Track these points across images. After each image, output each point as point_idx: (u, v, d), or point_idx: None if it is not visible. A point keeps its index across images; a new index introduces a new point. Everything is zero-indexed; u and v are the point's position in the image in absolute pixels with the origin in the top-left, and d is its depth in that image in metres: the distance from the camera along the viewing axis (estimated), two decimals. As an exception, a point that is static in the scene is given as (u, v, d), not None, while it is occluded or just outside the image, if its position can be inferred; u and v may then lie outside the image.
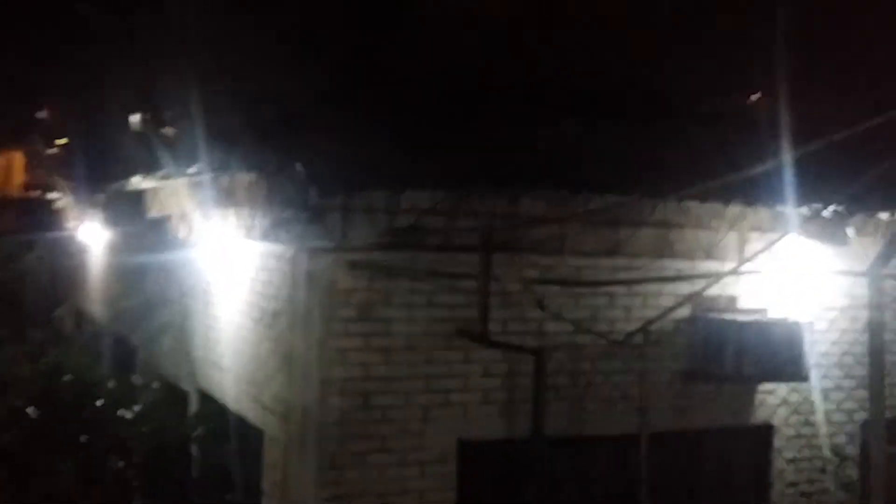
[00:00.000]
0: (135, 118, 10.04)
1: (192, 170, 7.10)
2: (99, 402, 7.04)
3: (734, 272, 6.45)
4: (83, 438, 6.77)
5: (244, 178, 6.67)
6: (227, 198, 6.95)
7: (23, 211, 21.05)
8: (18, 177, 23.01)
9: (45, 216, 18.78)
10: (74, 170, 14.83)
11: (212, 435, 7.79)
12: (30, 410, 6.76)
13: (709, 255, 7.15)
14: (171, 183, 7.94)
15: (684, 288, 7.11)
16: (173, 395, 9.25)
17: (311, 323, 6.10)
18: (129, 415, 7.18)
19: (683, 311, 7.16)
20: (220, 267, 7.90)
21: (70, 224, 16.08)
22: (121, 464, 6.96)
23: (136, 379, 8.50)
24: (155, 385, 8.42)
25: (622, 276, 6.81)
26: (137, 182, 8.64)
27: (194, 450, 7.88)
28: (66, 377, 7.14)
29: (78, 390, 6.90)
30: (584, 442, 6.77)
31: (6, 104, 18.14)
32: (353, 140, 6.48)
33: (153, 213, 8.47)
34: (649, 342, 6.78)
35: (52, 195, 17.83)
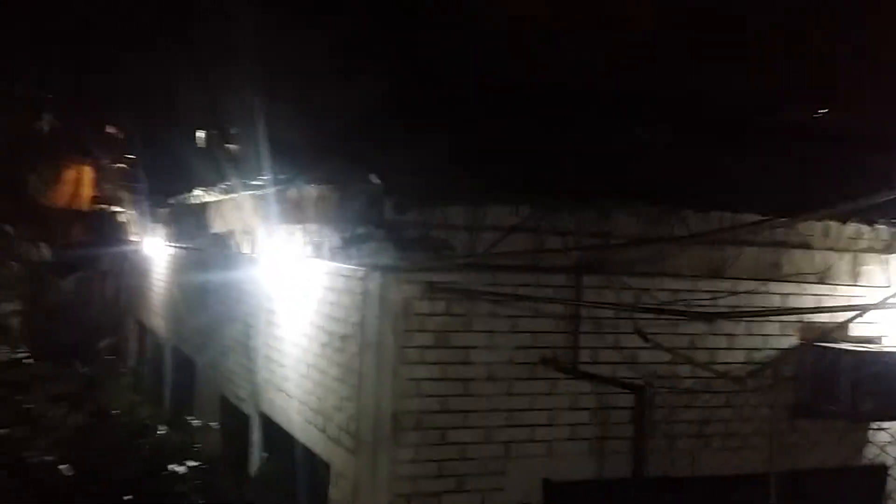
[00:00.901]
0: (200, 134, 9.82)
1: (256, 182, 6.62)
2: (146, 452, 6.08)
3: (878, 305, 5.70)
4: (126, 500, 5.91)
5: (313, 191, 6.19)
6: (294, 212, 6.48)
7: (91, 225, 21.31)
8: (87, 191, 23.39)
9: (111, 230, 18.89)
10: (139, 184, 14.83)
11: (274, 465, 7.30)
12: (64, 468, 5.81)
13: (821, 278, 6.47)
14: (234, 196, 7.50)
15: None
16: (234, 420, 8.83)
17: (383, 349, 5.57)
18: (181, 469, 6.29)
19: (791, 340, 6.51)
20: (285, 285, 7.43)
21: (134, 238, 15.99)
22: None
23: (194, 421, 7.55)
24: (215, 426, 7.67)
25: (724, 301, 6.16)
26: (199, 195, 8.21)
27: None
28: (110, 420, 6.21)
29: (121, 440, 6.01)
30: (681, 483, 6.11)
31: (77, 118, 18.33)
32: (425, 151, 5.96)
33: (216, 228, 8.05)
34: (760, 376, 6.12)
35: (116, 209, 17.86)
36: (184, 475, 5.74)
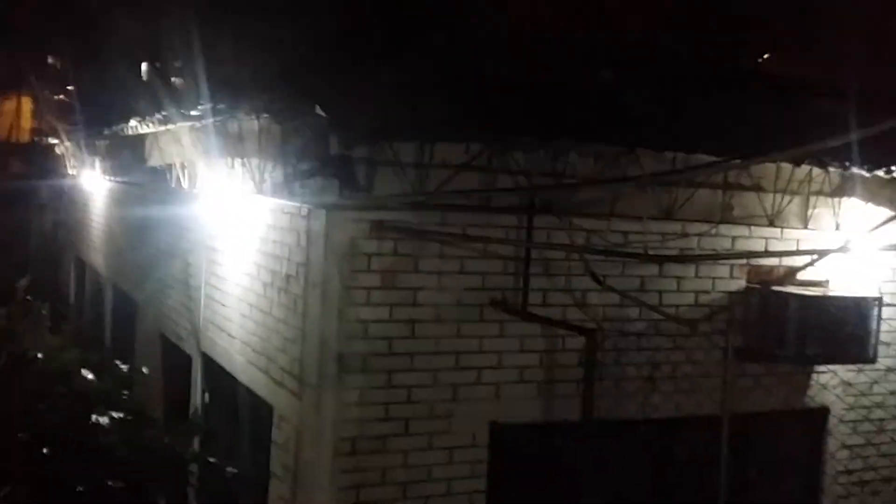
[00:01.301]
0: (144, 67, 9.45)
1: (194, 112, 6.31)
2: (67, 401, 5.54)
3: (838, 250, 5.64)
4: (45, 451, 5.21)
5: (254, 123, 5.92)
6: (235, 146, 6.21)
7: (29, 157, 20.81)
8: (26, 123, 22.84)
9: (50, 163, 18.41)
10: (78, 116, 14.39)
11: (216, 407, 7.13)
12: None
13: (771, 221, 6.42)
14: (171, 128, 7.17)
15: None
16: (175, 360, 8.62)
17: (328, 290, 5.39)
18: (104, 420, 5.62)
19: (739, 283, 6.48)
20: (226, 222, 7.17)
21: (73, 171, 15.52)
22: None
23: (123, 365, 7.13)
24: (146, 371, 7.36)
25: (675, 243, 6.09)
26: (135, 126, 7.85)
27: (194, 468, 6.55)
28: (27, 366, 5.70)
29: (40, 387, 5.49)
30: (627, 426, 6.09)
31: (16, 48, 17.77)
32: (376, 86, 5.72)
33: (153, 160, 7.73)
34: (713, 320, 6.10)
35: (54, 141, 17.36)
36: (108, 426, 5.38)
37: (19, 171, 20.98)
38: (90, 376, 5.91)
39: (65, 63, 17.49)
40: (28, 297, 6.87)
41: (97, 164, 12.37)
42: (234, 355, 6.96)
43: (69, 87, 16.85)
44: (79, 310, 15.51)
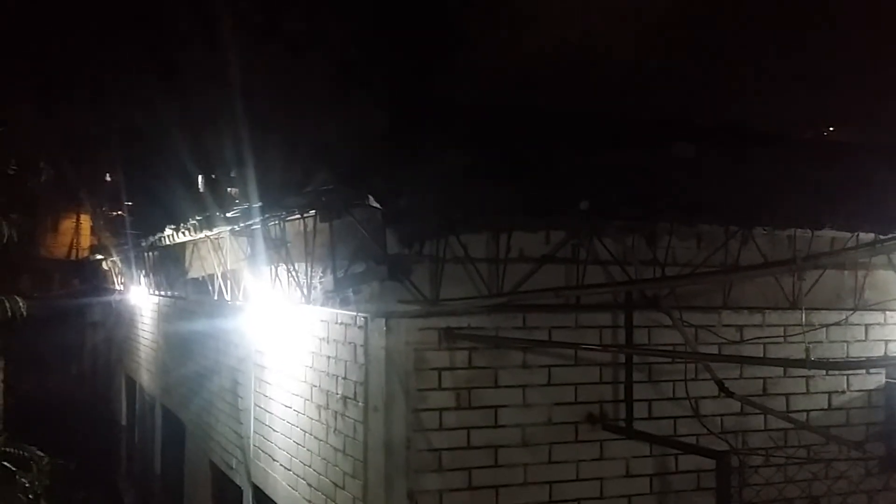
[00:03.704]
0: (200, 178, 8.98)
1: (231, 214, 5.56)
2: None
3: None
4: None
5: (299, 224, 5.16)
6: (279, 251, 5.44)
7: (83, 274, 20.78)
8: (85, 241, 22.98)
9: (101, 280, 18.19)
10: (129, 231, 14.03)
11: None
12: None
13: (910, 303, 5.43)
14: (211, 235, 6.46)
15: (876, 348, 5.44)
16: (226, 493, 7.73)
17: (391, 414, 4.51)
18: None
19: (877, 379, 5.45)
20: (275, 336, 6.37)
21: (121, 287, 15.09)
22: None
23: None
24: None
25: (800, 337, 5.11)
26: (171, 234, 7.16)
27: None
28: None
29: None
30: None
31: (74, 167, 17.82)
32: (436, 173, 4.93)
33: (194, 271, 7.01)
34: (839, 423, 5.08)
35: (102, 257, 17.12)
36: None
37: (78, 288, 20.88)
38: None
39: (117, 179, 17.37)
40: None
41: (143, 278, 11.82)
42: (288, 489, 6.05)
43: (123, 203, 16.67)
44: (130, 431, 14.80)
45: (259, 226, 5.42)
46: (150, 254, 11.03)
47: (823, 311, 5.22)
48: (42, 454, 6.45)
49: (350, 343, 5.01)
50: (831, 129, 10.47)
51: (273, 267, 5.79)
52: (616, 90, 7.71)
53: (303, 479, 5.74)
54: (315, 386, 5.55)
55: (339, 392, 5.10)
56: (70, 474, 9.02)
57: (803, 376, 5.22)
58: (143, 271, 11.60)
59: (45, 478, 6.28)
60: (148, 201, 13.40)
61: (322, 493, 5.37)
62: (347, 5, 8.32)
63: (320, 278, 5.17)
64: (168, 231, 7.27)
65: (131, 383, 15.06)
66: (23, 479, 5.67)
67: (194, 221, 6.27)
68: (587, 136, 6.00)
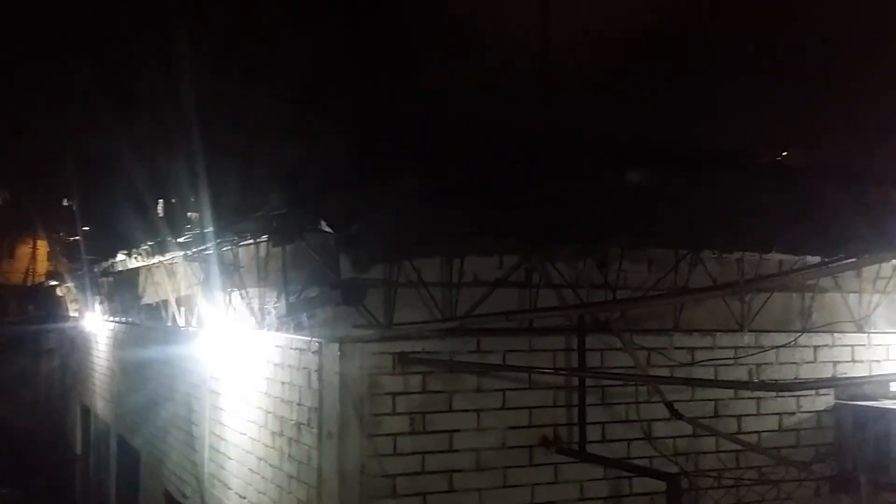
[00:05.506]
0: (160, 204, 8.91)
1: (182, 239, 5.53)
2: None
3: None
4: None
5: (252, 249, 5.15)
6: (232, 276, 5.41)
7: (40, 301, 20.53)
8: (42, 266, 22.71)
9: (55, 306, 17.95)
10: (84, 256, 13.85)
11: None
12: None
13: (858, 326, 5.53)
14: (164, 261, 6.40)
15: (825, 369, 5.52)
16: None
17: (346, 440, 4.49)
18: None
19: (825, 400, 5.54)
20: (228, 363, 6.32)
21: (75, 314, 14.88)
22: None
23: None
24: None
25: (752, 358, 5.19)
26: (123, 260, 7.09)
27: None
28: None
29: None
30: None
31: (31, 192, 17.67)
32: (387, 196, 4.95)
33: (147, 297, 6.94)
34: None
35: (56, 283, 16.88)
36: None
37: (33, 314, 20.56)
38: None
39: (73, 203, 17.17)
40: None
41: (98, 304, 11.66)
42: (242, 518, 5.98)
43: (79, 228, 16.48)
44: (85, 460, 14.54)
45: (212, 251, 5.39)
46: (105, 279, 10.91)
47: (773, 333, 5.31)
48: None
49: (304, 368, 4.98)
50: (785, 153, 10.68)
51: (227, 292, 5.76)
52: (571, 114, 7.80)
53: (257, 506, 5.69)
54: (270, 412, 5.51)
55: (294, 418, 5.07)
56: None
57: (754, 398, 5.29)
58: (99, 297, 11.46)
59: None
60: (104, 226, 13.26)
61: (276, 521, 5.32)
62: (303, 29, 8.34)
63: (274, 303, 5.16)
64: (121, 256, 7.20)
65: (86, 411, 14.82)
66: None
67: (146, 247, 6.22)
68: (541, 160, 6.06)
